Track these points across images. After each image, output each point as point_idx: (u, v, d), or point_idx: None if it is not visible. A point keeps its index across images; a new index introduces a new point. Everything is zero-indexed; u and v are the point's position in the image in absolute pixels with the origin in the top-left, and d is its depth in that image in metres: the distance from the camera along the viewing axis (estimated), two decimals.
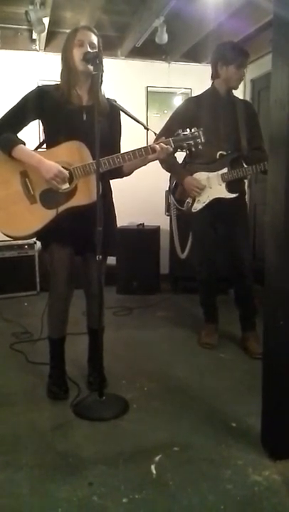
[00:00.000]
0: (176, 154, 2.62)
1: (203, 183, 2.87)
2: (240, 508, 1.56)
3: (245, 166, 2.90)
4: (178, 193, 3.06)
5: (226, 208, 2.88)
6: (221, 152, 2.84)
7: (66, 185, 2.11)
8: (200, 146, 2.19)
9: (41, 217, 2.14)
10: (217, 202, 2.87)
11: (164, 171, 2.99)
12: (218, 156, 2.85)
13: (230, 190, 2.86)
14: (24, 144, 2.14)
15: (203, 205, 2.91)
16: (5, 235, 2.19)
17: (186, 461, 1.80)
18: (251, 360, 2.75)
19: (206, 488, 1.63)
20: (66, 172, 2.08)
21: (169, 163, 2.88)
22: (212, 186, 2.88)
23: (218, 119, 2.84)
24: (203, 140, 2.17)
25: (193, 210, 2.95)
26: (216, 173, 2.86)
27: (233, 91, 2.93)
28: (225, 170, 2.84)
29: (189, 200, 2.95)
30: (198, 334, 3.14)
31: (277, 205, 1.71)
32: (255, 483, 1.67)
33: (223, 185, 2.86)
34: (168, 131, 2.67)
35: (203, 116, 2.80)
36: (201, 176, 2.89)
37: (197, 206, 2.93)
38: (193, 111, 2.86)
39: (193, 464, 1.78)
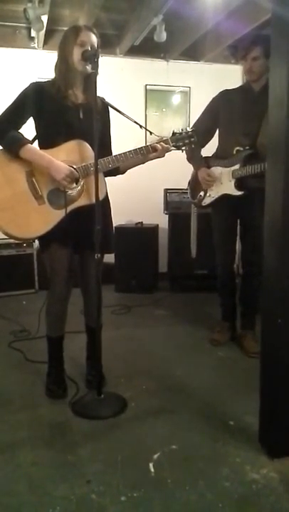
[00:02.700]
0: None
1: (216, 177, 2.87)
2: (238, 505, 1.56)
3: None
4: (191, 183, 3.06)
5: (244, 205, 2.80)
6: (237, 148, 2.79)
7: (74, 185, 2.11)
8: (193, 145, 2.23)
9: (50, 218, 2.10)
10: (236, 199, 2.80)
11: (162, 170, 2.99)
12: (234, 152, 2.80)
13: (238, 187, 2.78)
14: (31, 142, 2.11)
15: (212, 199, 2.91)
16: (10, 236, 2.09)
17: (184, 459, 1.80)
18: (249, 358, 2.75)
19: (204, 486, 1.64)
20: (76, 172, 2.08)
21: (190, 154, 2.90)
22: (223, 182, 2.85)
23: (243, 113, 2.77)
24: (196, 139, 2.20)
25: (203, 204, 2.96)
26: (228, 168, 2.81)
27: None
28: (237, 166, 2.76)
29: (201, 193, 2.97)
30: (210, 330, 3.14)
31: (276, 204, 1.71)
32: (252, 481, 1.67)
33: (233, 181, 2.79)
34: (199, 122, 2.90)
35: (227, 109, 2.81)
36: (215, 170, 2.90)
37: (206, 200, 2.94)
38: (218, 104, 2.88)
39: (192, 462, 1.78)
